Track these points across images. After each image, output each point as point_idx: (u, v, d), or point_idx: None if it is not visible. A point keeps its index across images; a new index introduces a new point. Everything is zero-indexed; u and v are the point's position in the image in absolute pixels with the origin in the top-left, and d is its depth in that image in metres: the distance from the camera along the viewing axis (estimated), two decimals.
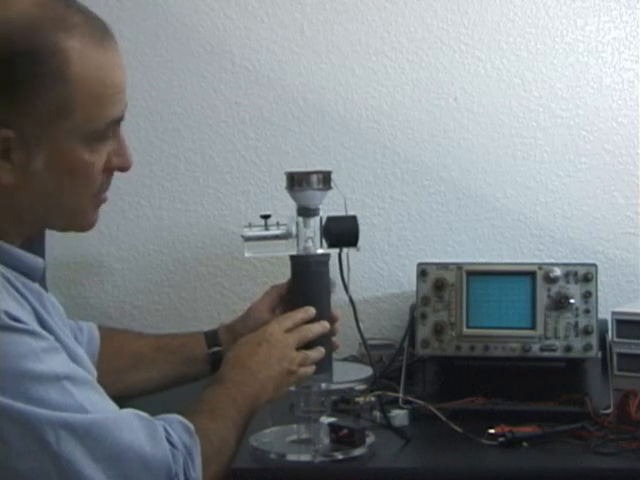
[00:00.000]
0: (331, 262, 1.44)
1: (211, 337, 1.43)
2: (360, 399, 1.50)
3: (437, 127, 1.97)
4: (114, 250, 1.98)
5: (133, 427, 1.00)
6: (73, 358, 1.03)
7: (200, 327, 1.49)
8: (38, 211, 1.05)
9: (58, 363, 0.98)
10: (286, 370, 1.28)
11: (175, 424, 1.06)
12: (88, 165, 1.04)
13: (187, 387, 1.41)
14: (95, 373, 1.10)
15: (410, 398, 1.53)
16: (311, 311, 1.37)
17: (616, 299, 1.91)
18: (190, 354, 1.40)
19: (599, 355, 1.65)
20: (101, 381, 1.03)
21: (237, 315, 1.51)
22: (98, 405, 0.99)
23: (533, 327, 1.62)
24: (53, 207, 1.05)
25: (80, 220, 1.09)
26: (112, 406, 1.03)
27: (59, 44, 0.98)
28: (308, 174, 1.43)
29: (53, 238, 1.88)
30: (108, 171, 1.08)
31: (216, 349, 1.40)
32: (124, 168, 1.10)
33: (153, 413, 1.06)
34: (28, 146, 0.99)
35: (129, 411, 1.03)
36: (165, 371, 1.39)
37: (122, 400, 1.08)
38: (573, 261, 1.72)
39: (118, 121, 1.06)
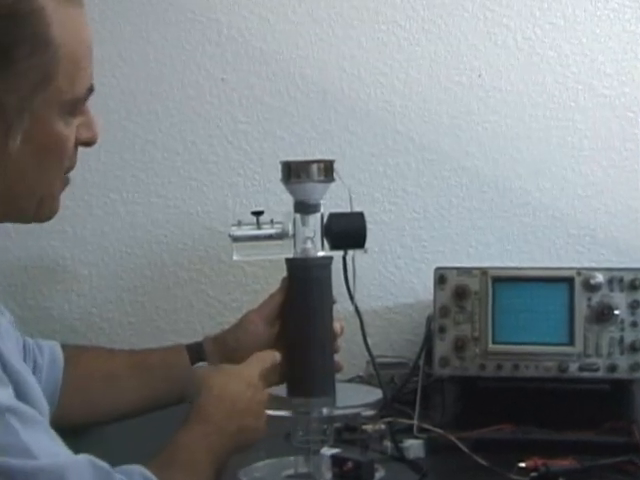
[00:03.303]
0: (334, 266, 1.44)
1: (195, 350, 1.43)
2: (368, 427, 1.50)
3: (458, 108, 1.97)
4: (79, 252, 1.98)
5: (84, 477, 1.00)
6: (23, 391, 1.03)
7: (181, 342, 1.50)
8: (11, 196, 1.06)
9: (2, 395, 0.98)
10: (261, 430, 1.28)
11: (136, 477, 1.07)
12: (64, 140, 1.07)
13: (170, 411, 1.41)
14: (47, 408, 1.09)
15: (426, 426, 1.54)
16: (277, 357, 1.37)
17: None
18: (170, 371, 1.41)
19: None
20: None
21: (224, 328, 1.51)
22: (46, 448, 0.99)
23: (571, 343, 1.62)
24: (28, 191, 1.07)
25: (49, 206, 1.11)
26: (63, 450, 1.02)
27: (35, 2, 1.01)
28: (307, 164, 1.44)
29: (6, 237, 1.89)
30: (76, 146, 1.11)
31: (200, 364, 1.40)
32: (92, 142, 1.12)
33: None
34: (8, 120, 1.02)
35: (83, 458, 1.03)
36: (143, 392, 1.40)
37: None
38: (618, 265, 1.72)
39: (93, 88, 1.09)
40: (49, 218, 1.12)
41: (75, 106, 1.07)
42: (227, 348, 1.42)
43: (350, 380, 1.78)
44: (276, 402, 1.42)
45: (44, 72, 1.02)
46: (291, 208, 1.46)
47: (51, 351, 1.36)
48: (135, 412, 1.41)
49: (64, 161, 1.09)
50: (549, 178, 1.98)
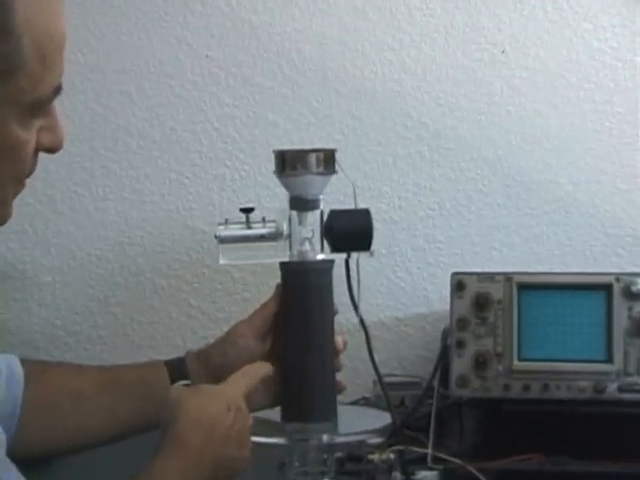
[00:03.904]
0: (335, 271, 1.45)
1: (175, 368, 1.44)
2: (375, 456, 1.51)
3: (479, 89, 1.97)
4: (41, 256, 1.98)
5: None
6: None
7: (159, 359, 1.50)
8: None
9: None
10: (245, 460, 1.30)
11: None
12: (21, 144, 1.07)
13: (145, 439, 1.41)
14: (4, 436, 1.10)
15: (442, 455, 1.54)
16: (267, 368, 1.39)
17: None
18: (148, 390, 1.41)
19: None
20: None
21: (209, 343, 1.51)
22: None
23: (609, 360, 1.63)
24: None
25: (1, 212, 1.11)
26: None
27: None
28: (304, 153, 1.45)
29: None
30: (36, 152, 1.10)
31: (183, 383, 1.41)
32: (55, 148, 1.12)
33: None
34: None
35: None
36: (116, 413, 1.40)
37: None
38: None
39: (60, 87, 1.09)
40: (2, 224, 1.13)
41: (37, 107, 1.06)
42: (212, 365, 1.43)
43: (354, 402, 1.78)
44: (269, 428, 1.43)
45: (4, 67, 1.01)
46: (286, 204, 1.47)
47: (9, 366, 1.37)
48: (107, 438, 1.41)
49: (19, 167, 1.09)
50: (584, 170, 1.98)
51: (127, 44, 1.97)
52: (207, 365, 1.42)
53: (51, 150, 1.12)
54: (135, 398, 1.41)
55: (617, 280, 1.65)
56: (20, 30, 1.02)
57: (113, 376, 1.44)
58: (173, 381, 1.42)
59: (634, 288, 1.64)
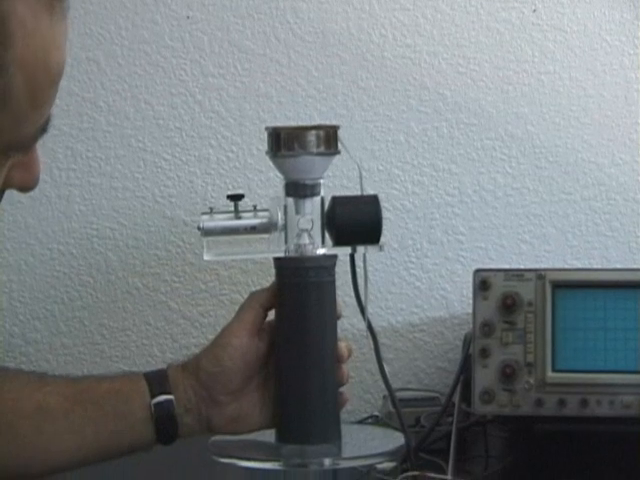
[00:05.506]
0: (338, 268, 1.46)
1: (156, 380, 1.42)
2: None
3: (506, 56, 1.98)
4: None
5: None
6: None
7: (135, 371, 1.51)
8: None
9: None
10: None
11: None
12: None
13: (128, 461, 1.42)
14: None
15: None
16: None
17: None
18: (123, 406, 1.41)
19: None
20: None
21: (191, 354, 1.52)
22: None
23: None
24: None
25: None
26: None
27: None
28: (302, 131, 1.45)
29: None
30: (2, 191, 1.09)
31: (163, 398, 1.40)
32: (26, 189, 1.10)
33: None
34: None
35: None
36: (85, 432, 1.39)
37: None
38: None
39: (49, 121, 1.08)
40: None
41: (15, 149, 1.05)
42: (205, 375, 1.40)
43: (361, 421, 1.79)
44: (262, 451, 1.44)
45: None
46: (281, 190, 1.47)
47: None
48: (74, 462, 1.40)
49: None
50: (629, 148, 1.99)
51: (94, 3, 1.98)
52: (197, 377, 1.41)
53: (20, 190, 1.10)
54: (109, 416, 1.40)
55: None
56: (14, 67, 1.00)
57: (82, 389, 1.42)
58: (153, 396, 1.41)
59: None
